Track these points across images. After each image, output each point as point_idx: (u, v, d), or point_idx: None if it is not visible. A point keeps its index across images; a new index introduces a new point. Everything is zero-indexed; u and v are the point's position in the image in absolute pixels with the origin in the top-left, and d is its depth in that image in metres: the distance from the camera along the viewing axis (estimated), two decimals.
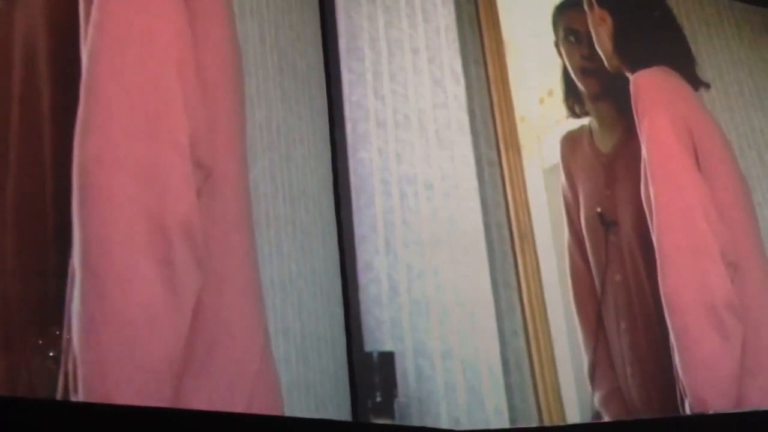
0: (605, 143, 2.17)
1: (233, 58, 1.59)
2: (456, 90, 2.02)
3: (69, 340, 1.24)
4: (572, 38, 2.23)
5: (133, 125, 1.34)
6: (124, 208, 1.29)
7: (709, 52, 2.39)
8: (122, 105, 1.34)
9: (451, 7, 2.09)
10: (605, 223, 2.08)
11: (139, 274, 1.27)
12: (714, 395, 1.87)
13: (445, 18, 2.07)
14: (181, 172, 1.37)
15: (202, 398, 1.31)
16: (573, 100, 2.20)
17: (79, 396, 1.20)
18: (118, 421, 1.17)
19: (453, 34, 2.07)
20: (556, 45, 2.26)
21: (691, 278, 1.97)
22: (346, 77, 1.93)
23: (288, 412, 1.49)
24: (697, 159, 2.10)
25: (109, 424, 1.17)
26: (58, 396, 1.23)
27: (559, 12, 2.28)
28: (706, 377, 1.89)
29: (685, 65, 2.28)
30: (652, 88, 2.16)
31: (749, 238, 2.10)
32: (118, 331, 1.23)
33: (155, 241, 1.30)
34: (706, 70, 2.34)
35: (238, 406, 1.36)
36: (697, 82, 2.28)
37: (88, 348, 1.21)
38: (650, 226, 2.01)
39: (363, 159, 1.88)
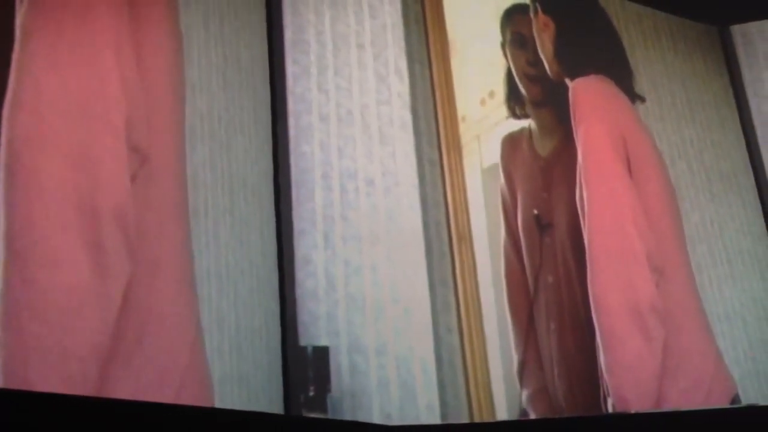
0: (544, 147, 2.21)
1: (175, 43, 1.57)
2: (400, 88, 2.03)
3: None
4: (518, 43, 2.27)
5: (65, 104, 1.30)
6: (54, 189, 1.26)
7: (644, 63, 2.46)
8: (54, 82, 1.30)
9: (398, 5, 2.09)
10: (541, 225, 2.12)
11: (67, 257, 1.24)
12: (635, 395, 1.93)
13: (392, 16, 2.08)
14: (115, 154, 1.34)
15: (128, 387, 1.29)
16: (514, 101, 2.23)
17: None
18: (40, 409, 1.14)
19: (399, 32, 2.08)
20: (503, 47, 2.28)
21: (618, 281, 2.02)
22: (290, 70, 1.91)
23: (220, 404, 1.47)
24: (629, 166, 2.16)
25: (30, 412, 1.14)
26: None
27: (508, 15, 2.30)
28: (628, 377, 1.94)
29: (622, 76, 2.34)
30: (589, 96, 2.21)
31: (675, 245, 2.17)
32: (42, 316, 1.19)
33: (85, 225, 1.27)
34: (641, 80, 2.41)
35: (167, 397, 1.34)
36: (632, 94, 2.35)
37: (10, 332, 1.17)
38: (583, 230, 2.06)
39: (304, 152, 1.87)
